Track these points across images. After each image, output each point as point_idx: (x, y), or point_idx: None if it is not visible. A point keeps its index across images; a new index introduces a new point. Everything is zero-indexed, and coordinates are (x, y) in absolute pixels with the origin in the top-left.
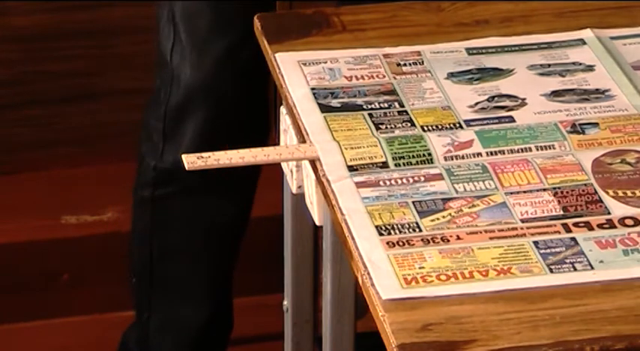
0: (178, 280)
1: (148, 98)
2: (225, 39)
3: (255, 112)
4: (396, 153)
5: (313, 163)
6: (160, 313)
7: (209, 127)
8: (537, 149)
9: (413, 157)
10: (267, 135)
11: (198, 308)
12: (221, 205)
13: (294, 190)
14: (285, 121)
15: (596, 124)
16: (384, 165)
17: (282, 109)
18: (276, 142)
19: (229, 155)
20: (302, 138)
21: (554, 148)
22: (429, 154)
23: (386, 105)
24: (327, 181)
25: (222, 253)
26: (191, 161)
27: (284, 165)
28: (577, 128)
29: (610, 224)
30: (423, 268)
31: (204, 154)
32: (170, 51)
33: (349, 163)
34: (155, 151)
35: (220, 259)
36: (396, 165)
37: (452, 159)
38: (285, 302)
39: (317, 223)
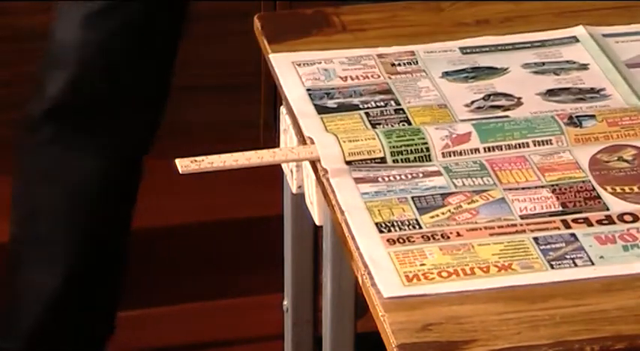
0: (42, 239)
1: None
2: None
3: (136, 81)
4: (394, 146)
5: (313, 162)
6: (23, 272)
7: (75, 82)
8: (535, 144)
9: (411, 152)
10: (158, 112)
11: (57, 269)
12: (90, 162)
13: (294, 190)
14: (285, 121)
15: (592, 117)
16: (382, 161)
17: (282, 109)
18: (276, 143)
19: (223, 158)
20: (302, 138)
21: (551, 144)
22: (427, 149)
23: (382, 104)
24: (326, 173)
25: (84, 213)
26: (184, 165)
27: (284, 165)
28: (574, 120)
29: (609, 220)
30: (424, 265)
31: (198, 158)
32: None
33: (347, 158)
34: (33, 98)
35: (84, 220)
36: (394, 161)
37: (450, 155)
38: (285, 302)
39: (317, 223)
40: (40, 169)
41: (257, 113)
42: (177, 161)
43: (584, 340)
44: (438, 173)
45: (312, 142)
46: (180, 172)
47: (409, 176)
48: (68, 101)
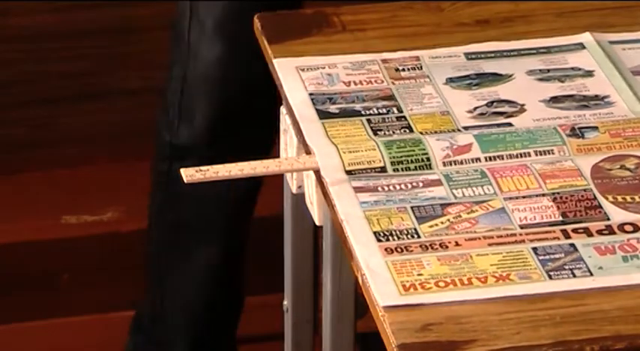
0: (189, 257)
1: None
2: (243, 21)
3: (267, 96)
4: (394, 157)
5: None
6: (169, 289)
7: (222, 105)
8: (536, 154)
9: (411, 161)
10: (275, 125)
11: (206, 287)
12: (234, 180)
13: (294, 190)
14: (285, 121)
15: (595, 128)
16: (383, 170)
17: (282, 109)
18: (276, 143)
19: (228, 168)
20: (302, 139)
21: (553, 153)
22: (428, 159)
23: (384, 110)
24: (326, 184)
25: (232, 230)
26: (189, 175)
27: None
28: (576, 131)
29: (609, 230)
30: (421, 275)
31: (203, 168)
32: (188, 28)
33: (347, 168)
34: (171, 126)
35: (231, 237)
36: (394, 170)
37: (450, 164)
38: (285, 302)
39: (317, 223)
40: (182, 193)
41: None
42: (183, 171)
43: (584, 340)
44: (438, 182)
45: None
46: (185, 181)
47: (409, 186)
48: (219, 127)
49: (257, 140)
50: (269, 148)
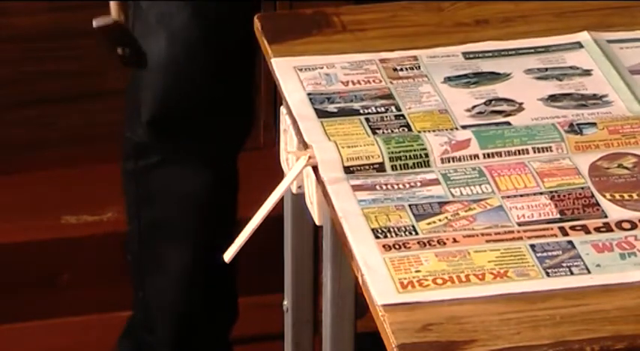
0: (166, 256)
1: None
2: (183, 12)
3: (224, 88)
4: (392, 152)
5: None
6: (153, 291)
7: (165, 98)
8: (534, 151)
9: (410, 158)
10: (249, 114)
11: (183, 288)
12: (197, 175)
13: (294, 190)
14: (285, 121)
15: (593, 124)
16: (381, 166)
17: (282, 109)
18: (276, 143)
19: None
20: (301, 138)
21: (551, 151)
22: (426, 155)
23: (383, 109)
24: (324, 182)
25: (206, 231)
26: None
27: (284, 165)
28: (575, 128)
29: (607, 228)
30: (419, 271)
31: None
32: (132, 22)
33: (346, 163)
34: (129, 123)
35: (204, 238)
36: (392, 167)
37: (448, 161)
38: (285, 302)
39: (317, 223)
40: (151, 192)
41: (257, 113)
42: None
43: (584, 340)
44: (436, 182)
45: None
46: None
47: (407, 185)
48: (164, 116)
49: (222, 129)
50: (244, 135)
